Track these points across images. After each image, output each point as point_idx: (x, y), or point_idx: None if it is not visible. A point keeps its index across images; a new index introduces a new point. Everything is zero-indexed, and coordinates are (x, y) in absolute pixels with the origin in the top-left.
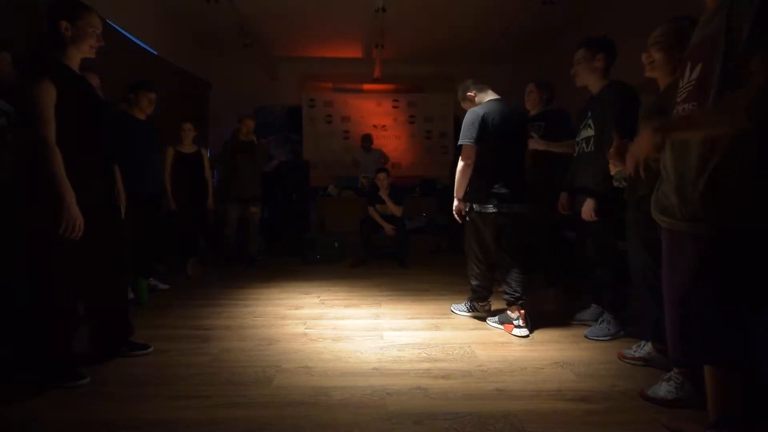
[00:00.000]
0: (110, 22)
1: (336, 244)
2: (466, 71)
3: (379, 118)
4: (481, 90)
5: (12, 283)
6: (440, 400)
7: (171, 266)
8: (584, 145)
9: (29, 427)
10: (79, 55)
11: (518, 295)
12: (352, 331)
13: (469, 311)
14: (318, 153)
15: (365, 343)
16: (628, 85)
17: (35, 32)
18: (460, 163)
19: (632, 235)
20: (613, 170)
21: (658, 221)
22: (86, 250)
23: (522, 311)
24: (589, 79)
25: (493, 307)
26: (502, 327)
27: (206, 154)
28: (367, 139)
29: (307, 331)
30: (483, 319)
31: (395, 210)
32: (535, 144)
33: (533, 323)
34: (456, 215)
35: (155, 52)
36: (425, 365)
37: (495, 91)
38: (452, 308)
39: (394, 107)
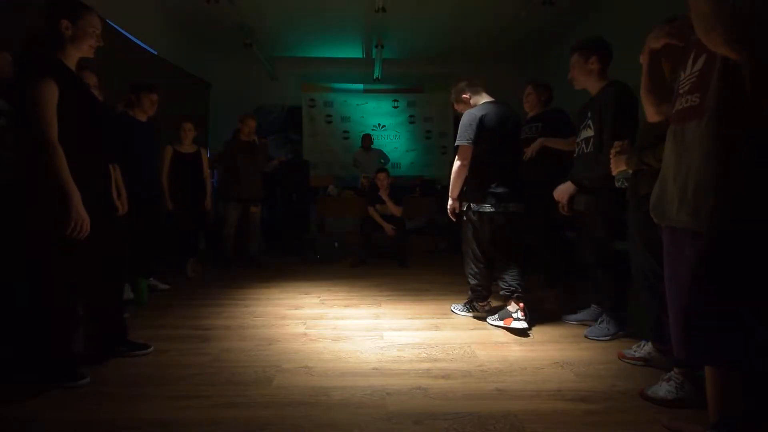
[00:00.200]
0: (110, 22)
1: (336, 244)
2: (466, 71)
3: (378, 118)
4: (475, 92)
5: (12, 283)
6: (440, 400)
7: (171, 266)
8: (584, 145)
9: (29, 427)
10: (77, 54)
11: (513, 288)
12: (352, 331)
13: (469, 311)
14: (318, 153)
15: (365, 343)
16: (626, 85)
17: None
18: (457, 163)
19: (634, 235)
20: (615, 171)
21: (657, 220)
22: (87, 250)
23: (521, 304)
24: (587, 81)
25: (492, 307)
26: (502, 322)
27: (206, 155)
28: (367, 139)
29: (307, 331)
30: (483, 319)
31: (395, 210)
32: (535, 144)
33: (533, 322)
34: (450, 214)
35: (155, 52)
36: (425, 365)
37: (495, 91)
38: (452, 308)
39: (394, 107)
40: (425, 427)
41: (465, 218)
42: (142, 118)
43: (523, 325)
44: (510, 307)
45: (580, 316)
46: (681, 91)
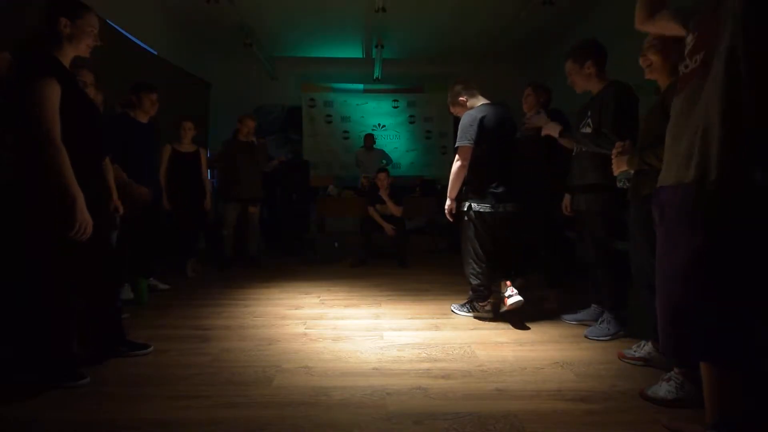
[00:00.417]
0: (110, 23)
1: (336, 244)
2: (466, 71)
3: (378, 118)
4: (472, 95)
5: (12, 283)
6: (440, 400)
7: (171, 266)
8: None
9: (29, 427)
10: (73, 53)
11: (504, 270)
12: (352, 331)
13: (469, 311)
14: (318, 153)
15: (365, 343)
16: (626, 85)
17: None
18: (457, 164)
19: (635, 234)
20: (616, 171)
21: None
22: (87, 250)
23: (508, 282)
24: (587, 85)
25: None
26: (505, 308)
27: (205, 155)
28: (369, 138)
29: (307, 331)
30: (483, 320)
31: (395, 210)
32: (545, 127)
33: (533, 322)
34: (447, 215)
35: (155, 52)
36: (425, 365)
37: (495, 91)
38: (452, 308)
39: (394, 107)
40: (425, 427)
41: (466, 218)
42: (143, 119)
43: (518, 298)
44: (502, 290)
45: (580, 316)
46: (686, 53)
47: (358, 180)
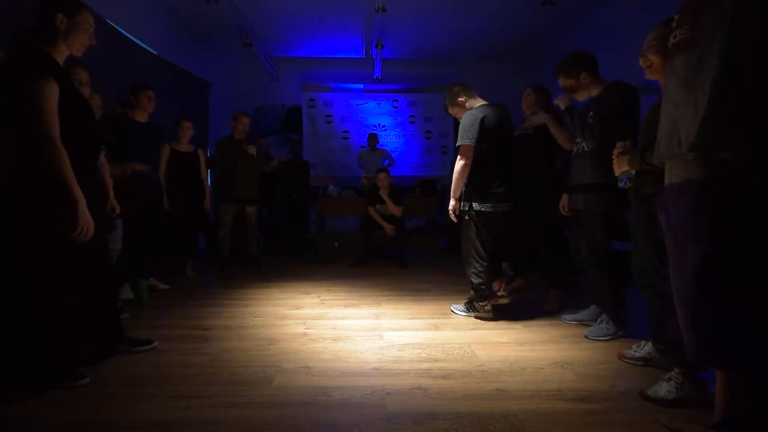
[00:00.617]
0: (110, 22)
1: (336, 244)
2: (466, 71)
3: (379, 118)
4: (470, 96)
5: (12, 283)
6: (440, 400)
7: (171, 266)
8: (583, 144)
9: (29, 427)
10: (68, 51)
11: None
12: (352, 331)
13: (469, 311)
14: (318, 153)
15: (365, 343)
16: (629, 85)
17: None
18: (460, 163)
19: (636, 234)
20: (617, 171)
21: (657, 160)
22: (87, 250)
23: (502, 284)
24: (588, 91)
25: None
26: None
27: (203, 155)
28: (373, 138)
29: (307, 331)
30: (483, 320)
31: (395, 210)
32: (537, 119)
33: (533, 322)
34: (451, 214)
35: (155, 52)
36: (425, 365)
37: (495, 91)
38: (452, 308)
39: (394, 107)
40: (425, 427)
41: (467, 217)
42: (142, 118)
43: (502, 293)
44: (495, 290)
45: (579, 316)
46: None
47: (358, 180)
